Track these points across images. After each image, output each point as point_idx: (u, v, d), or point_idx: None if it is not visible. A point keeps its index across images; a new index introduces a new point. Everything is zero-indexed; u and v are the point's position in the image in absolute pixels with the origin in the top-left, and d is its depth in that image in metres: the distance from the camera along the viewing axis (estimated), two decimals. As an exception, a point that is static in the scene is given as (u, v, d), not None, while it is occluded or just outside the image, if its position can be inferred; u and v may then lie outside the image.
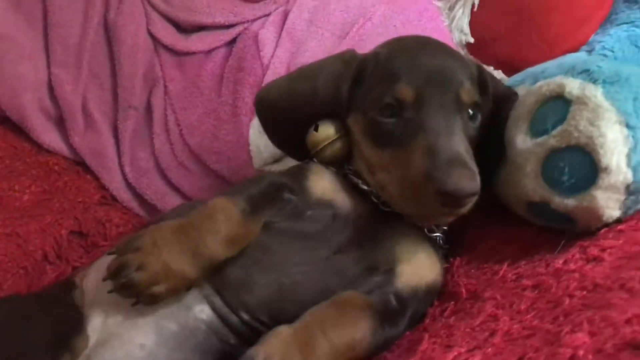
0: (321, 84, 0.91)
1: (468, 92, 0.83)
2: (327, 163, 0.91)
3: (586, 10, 1.05)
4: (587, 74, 0.78)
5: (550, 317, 0.65)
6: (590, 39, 1.04)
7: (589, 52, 1.00)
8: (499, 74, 1.12)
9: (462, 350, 0.66)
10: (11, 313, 0.80)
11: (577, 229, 0.78)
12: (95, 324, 0.78)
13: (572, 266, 0.72)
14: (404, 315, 0.79)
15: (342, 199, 0.87)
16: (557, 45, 1.03)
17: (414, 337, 0.77)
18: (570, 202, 0.75)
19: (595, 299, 0.64)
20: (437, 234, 0.88)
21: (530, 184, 0.79)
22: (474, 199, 0.76)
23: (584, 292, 0.66)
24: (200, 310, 0.77)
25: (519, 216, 0.87)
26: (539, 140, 0.78)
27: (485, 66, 1.16)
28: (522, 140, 0.81)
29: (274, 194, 0.84)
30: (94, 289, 0.83)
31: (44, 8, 1.26)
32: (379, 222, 0.85)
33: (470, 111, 0.83)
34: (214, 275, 0.78)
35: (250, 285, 0.78)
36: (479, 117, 0.85)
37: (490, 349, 0.64)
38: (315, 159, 0.92)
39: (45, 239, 1.09)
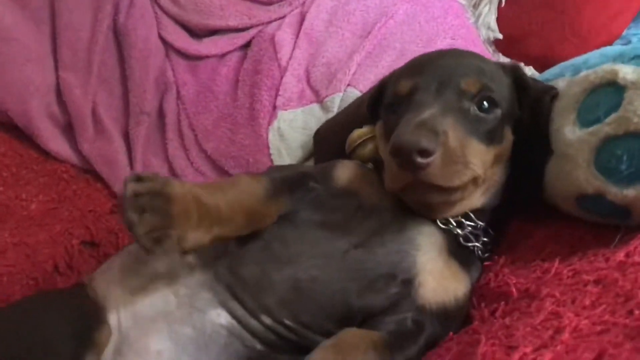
0: (352, 109, 1.03)
1: (471, 82, 0.80)
2: (363, 161, 0.90)
3: (619, 3, 1.03)
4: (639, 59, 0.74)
5: (623, 311, 0.60)
6: (624, 32, 1.02)
7: (625, 44, 0.98)
8: (529, 71, 1.10)
9: (528, 350, 0.61)
10: (27, 311, 0.76)
11: (633, 223, 0.73)
12: (113, 321, 0.75)
13: (637, 259, 0.67)
14: (420, 336, 0.74)
15: (368, 191, 0.84)
16: (590, 40, 1.01)
17: (466, 339, 0.72)
18: (629, 192, 0.70)
19: (672, 291, 0.60)
20: (475, 244, 0.83)
21: (583, 175, 0.75)
22: (430, 159, 0.71)
23: (657, 284, 0.62)
24: (217, 315, 0.74)
25: (563, 214, 0.83)
26: (591, 129, 0.74)
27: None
28: (570, 131, 0.78)
29: (299, 181, 0.83)
30: (104, 287, 0.80)
31: (52, 11, 1.21)
32: (406, 222, 0.81)
33: (485, 103, 0.80)
34: (229, 277, 0.75)
35: (267, 283, 0.74)
36: (497, 112, 0.81)
37: (559, 347, 0.59)
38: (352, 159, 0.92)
39: (56, 249, 1.04)
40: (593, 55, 0.86)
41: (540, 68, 0.99)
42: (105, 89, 1.23)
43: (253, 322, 0.74)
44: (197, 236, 0.66)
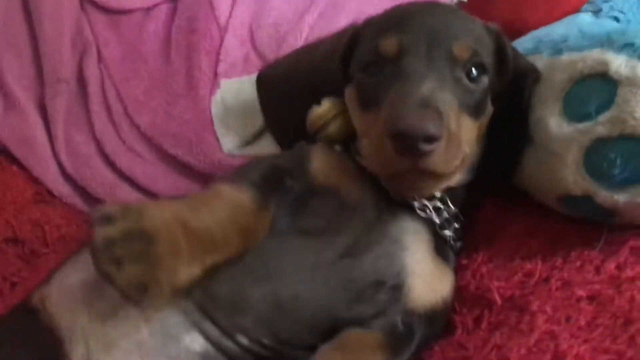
0: (318, 58, 0.87)
1: (463, 46, 0.73)
2: (330, 142, 0.81)
3: (589, -35, 0.96)
4: (631, 49, 0.68)
5: (625, 336, 0.58)
6: (592, -4, 0.95)
7: (596, 12, 0.91)
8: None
9: (529, 380, 0.58)
10: None
11: (617, 222, 0.71)
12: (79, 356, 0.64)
13: (629, 273, 0.65)
14: (412, 339, 0.70)
15: (349, 184, 0.76)
16: (559, 5, 0.93)
17: (452, 355, 0.69)
18: (620, 197, 0.67)
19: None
20: (449, 234, 0.78)
21: (570, 175, 0.70)
22: (435, 145, 0.64)
23: (656, 306, 0.60)
24: (191, 340, 0.66)
25: (539, 203, 0.79)
26: (581, 126, 0.69)
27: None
28: (557, 124, 0.72)
29: (277, 180, 0.73)
30: (65, 311, 0.67)
31: None
32: (389, 217, 0.75)
33: (474, 70, 0.73)
34: (201, 296, 0.66)
35: (243, 302, 0.66)
36: (485, 80, 0.75)
37: (564, 377, 0.56)
38: (317, 140, 0.82)
39: (-28, 252, 0.89)
40: (572, 33, 0.79)
41: (508, 34, 0.92)
42: (12, 52, 1.06)
43: (228, 343, 0.66)
44: (189, 271, 0.58)
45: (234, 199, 0.65)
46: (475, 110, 0.73)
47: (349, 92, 0.81)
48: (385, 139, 0.66)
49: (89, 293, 0.67)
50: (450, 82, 0.71)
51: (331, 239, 0.71)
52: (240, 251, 0.65)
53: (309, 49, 0.94)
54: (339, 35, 0.86)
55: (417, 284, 0.71)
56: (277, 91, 0.94)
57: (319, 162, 0.77)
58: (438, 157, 0.65)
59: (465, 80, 0.73)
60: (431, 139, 0.63)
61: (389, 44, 0.73)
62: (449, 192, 0.78)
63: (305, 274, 0.68)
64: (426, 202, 0.77)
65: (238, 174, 0.74)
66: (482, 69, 0.74)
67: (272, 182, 0.72)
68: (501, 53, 0.79)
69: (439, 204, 0.78)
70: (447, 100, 0.68)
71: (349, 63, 0.81)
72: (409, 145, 0.64)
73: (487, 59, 0.75)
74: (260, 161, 0.77)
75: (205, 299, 0.66)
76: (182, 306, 0.66)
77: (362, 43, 0.79)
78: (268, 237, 0.69)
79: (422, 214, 0.76)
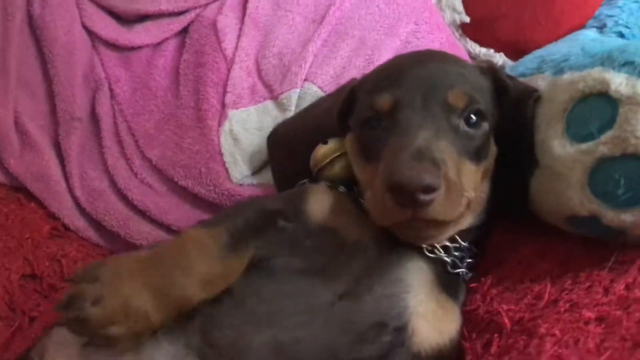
0: (320, 114, 0.91)
1: (458, 95, 0.73)
2: (332, 182, 0.81)
3: (592, -18, 0.96)
4: (631, 66, 0.68)
5: (632, 360, 0.57)
6: (597, 12, 0.95)
7: (600, 28, 0.91)
8: (501, 57, 1.02)
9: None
10: None
11: (627, 241, 0.70)
12: None
13: (637, 293, 0.64)
14: None
15: (347, 224, 0.76)
16: (562, 23, 0.93)
17: (463, 384, 0.68)
18: (627, 217, 0.65)
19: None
20: (462, 270, 0.78)
21: (576, 197, 0.69)
22: (434, 195, 0.65)
23: (665, 327, 0.58)
24: None
25: (549, 225, 0.79)
26: (584, 146, 0.68)
27: (485, 49, 1.07)
28: (560, 145, 0.72)
29: (265, 222, 0.73)
30: None
31: (-50, 8, 1.04)
32: (391, 257, 0.74)
33: (472, 117, 0.74)
34: (201, 343, 0.65)
35: (244, 348, 0.65)
36: (484, 125, 0.75)
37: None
38: (319, 180, 0.83)
39: (-8, 289, 0.91)
40: (574, 51, 0.79)
41: (512, 54, 0.92)
42: (27, 93, 1.08)
43: None
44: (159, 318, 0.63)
45: (197, 250, 0.66)
46: (476, 155, 0.74)
47: (350, 141, 0.82)
48: (385, 192, 0.67)
49: (84, 348, 0.67)
50: (448, 131, 0.71)
51: (329, 280, 0.70)
52: (204, 297, 0.65)
53: (313, 106, 0.98)
54: (339, 91, 0.90)
55: (421, 326, 0.70)
56: (284, 148, 0.96)
57: (316, 202, 0.77)
58: (438, 205, 0.66)
59: (464, 127, 0.73)
60: (428, 189, 0.64)
61: (383, 100, 0.74)
62: (461, 233, 0.78)
63: (304, 316, 0.67)
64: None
65: (224, 214, 0.76)
66: (480, 115, 0.75)
67: (258, 224, 0.72)
68: (500, 88, 0.79)
69: (446, 243, 0.77)
70: (444, 149, 0.69)
71: (349, 117, 0.83)
72: (407, 197, 0.65)
73: (485, 103, 0.76)
74: (251, 203, 0.78)
75: (206, 348, 0.65)
76: (183, 356, 0.65)
77: (360, 99, 0.81)
78: (265, 278, 0.69)
79: (430, 255, 0.76)
